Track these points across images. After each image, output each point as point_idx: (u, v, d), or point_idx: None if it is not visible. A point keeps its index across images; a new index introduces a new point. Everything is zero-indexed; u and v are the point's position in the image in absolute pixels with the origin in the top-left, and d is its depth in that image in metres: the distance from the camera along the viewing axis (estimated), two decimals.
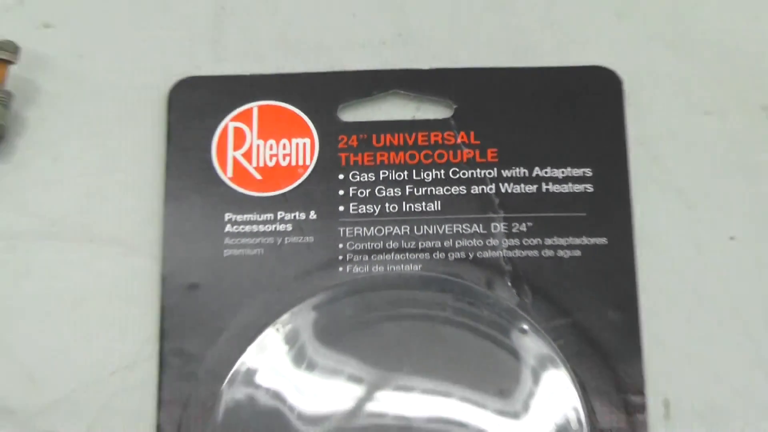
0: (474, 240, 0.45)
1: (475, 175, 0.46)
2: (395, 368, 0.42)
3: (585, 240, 0.45)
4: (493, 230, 0.45)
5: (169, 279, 0.45)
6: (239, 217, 0.45)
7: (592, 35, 0.48)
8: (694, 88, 0.47)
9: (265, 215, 0.45)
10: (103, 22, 0.49)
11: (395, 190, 0.46)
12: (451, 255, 0.45)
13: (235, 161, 0.46)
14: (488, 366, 0.42)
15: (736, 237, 0.45)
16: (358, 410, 0.42)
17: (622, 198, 0.46)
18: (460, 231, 0.45)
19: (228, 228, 0.45)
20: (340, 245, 0.45)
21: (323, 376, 0.42)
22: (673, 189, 0.46)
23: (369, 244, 0.45)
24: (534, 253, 0.45)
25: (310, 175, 0.46)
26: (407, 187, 0.46)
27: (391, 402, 0.42)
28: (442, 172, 0.46)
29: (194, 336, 0.44)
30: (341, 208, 0.45)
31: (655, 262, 0.45)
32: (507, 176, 0.46)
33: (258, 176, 0.46)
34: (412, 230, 0.45)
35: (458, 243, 0.45)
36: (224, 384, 0.42)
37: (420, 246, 0.45)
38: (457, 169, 0.46)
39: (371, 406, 0.42)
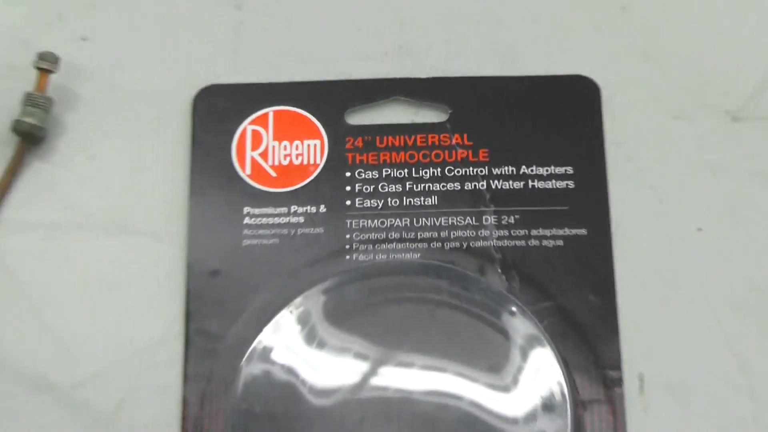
0: (467, 231, 0.45)
1: (468, 173, 0.46)
2: (396, 346, 0.42)
3: (567, 231, 0.45)
4: (484, 222, 0.45)
5: (193, 266, 0.44)
6: (256, 211, 0.45)
7: (573, 47, 0.48)
8: (664, 94, 0.47)
9: (280, 209, 0.45)
10: (135, 36, 0.48)
11: (396, 186, 0.45)
12: (446, 244, 0.44)
13: (253, 160, 0.46)
14: (480, 344, 0.42)
15: (703, 228, 0.45)
16: (363, 384, 0.41)
17: (600, 193, 0.45)
18: (455, 223, 0.45)
19: (246, 220, 0.45)
20: (347, 236, 0.45)
21: (332, 354, 0.42)
22: (646, 185, 0.46)
23: (373, 234, 0.45)
24: (521, 242, 0.44)
25: (320, 173, 0.46)
26: (407, 183, 0.45)
27: (393, 376, 0.41)
28: (439, 170, 0.46)
29: (216, 317, 0.43)
30: (348, 203, 0.45)
31: (630, 251, 0.44)
32: (497, 174, 0.46)
33: (273, 174, 0.46)
34: (411, 222, 0.45)
35: (453, 234, 0.45)
36: (243, 360, 0.42)
37: (419, 236, 0.45)
38: (452, 168, 0.46)
39: (375, 380, 0.41)
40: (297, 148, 0.46)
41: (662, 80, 0.47)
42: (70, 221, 0.45)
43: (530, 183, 0.45)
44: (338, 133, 0.46)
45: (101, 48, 0.48)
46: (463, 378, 0.41)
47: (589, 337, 0.43)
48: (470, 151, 0.46)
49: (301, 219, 0.45)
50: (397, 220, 0.45)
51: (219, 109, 0.47)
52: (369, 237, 0.45)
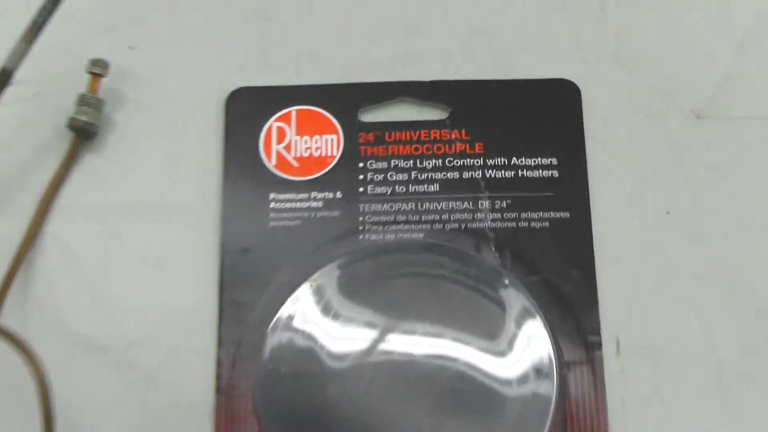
0: (465, 214, 0.44)
1: (465, 164, 0.45)
2: (403, 316, 0.41)
3: (552, 214, 0.44)
4: (480, 207, 0.44)
5: (226, 244, 0.44)
6: (281, 197, 0.44)
7: (557, 55, 0.47)
8: (636, 95, 0.47)
9: (301, 195, 0.44)
10: (175, 45, 0.48)
11: (403, 175, 0.45)
12: (447, 226, 0.44)
13: (278, 153, 0.45)
14: (477, 314, 0.41)
15: (671, 212, 0.44)
16: (372, 349, 0.41)
17: (581, 181, 0.45)
18: (454, 207, 0.44)
19: (272, 205, 0.44)
20: (360, 218, 0.44)
21: (346, 322, 0.41)
22: (621, 174, 0.45)
23: (382, 217, 0.44)
24: (512, 224, 0.44)
25: (336, 163, 0.45)
26: (412, 173, 0.45)
27: (399, 342, 0.41)
28: (440, 161, 0.45)
29: (246, 289, 0.43)
30: (361, 189, 0.45)
31: (607, 232, 0.44)
32: (491, 164, 0.45)
33: (296, 164, 0.45)
34: (416, 207, 0.44)
35: (453, 216, 0.44)
36: (269, 328, 0.41)
37: (423, 219, 0.44)
38: (452, 159, 0.45)
39: (383, 346, 0.41)
40: (316, 142, 0.45)
41: (635, 83, 0.47)
42: (118, 206, 0.45)
43: (520, 172, 0.45)
44: (352, 129, 0.46)
45: (146, 55, 0.48)
46: (462, 344, 0.40)
47: (572, 306, 0.42)
48: (467, 145, 0.45)
49: (320, 204, 0.44)
50: (404, 204, 0.44)
51: (248, 109, 0.46)
52: (379, 219, 0.44)
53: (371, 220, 0.44)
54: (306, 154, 0.45)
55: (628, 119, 0.46)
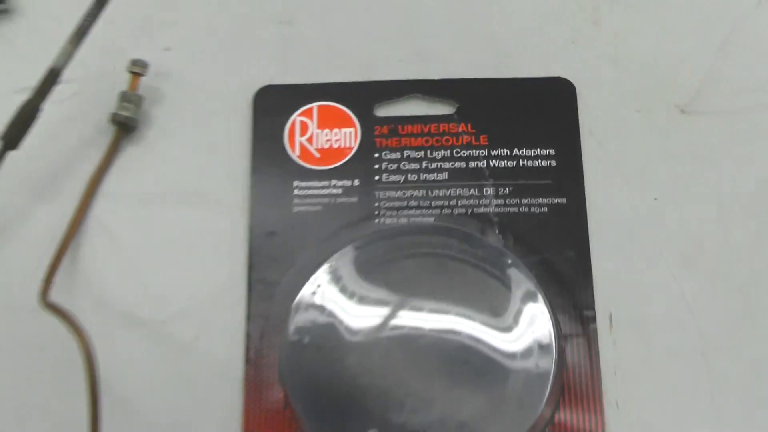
0: (471, 200, 0.43)
1: (471, 154, 0.44)
2: (414, 293, 0.41)
3: (550, 200, 0.43)
4: (485, 193, 0.43)
5: (254, 228, 0.43)
6: (304, 184, 0.44)
7: (554, 55, 0.47)
8: (627, 92, 0.46)
9: (322, 183, 0.44)
10: (207, 47, 0.47)
11: (414, 164, 0.44)
12: (455, 211, 0.43)
13: (301, 144, 0.44)
14: (483, 291, 0.40)
15: (658, 198, 0.44)
16: (387, 323, 0.40)
17: (577, 170, 0.44)
18: (461, 194, 0.43)
19: (296, 192, 0.44)
20: (376, 204, 0.43)
21: (362, 299, 0.41)
22: (613, 164, 0.44)
23: (396, 203, 0.43)
24: (514, 209, 0.43)
25: (354, 154, 0.44)
26: (423, 162, 0.44)
27: (411, 317, 0.40)
28: (448, 152, 0.44)
29: (272, 269, 0.42)
30: (376, 178, 0.44)
31: (600, 216, 0.43)
32: (494, 155, 0.44)
33: (317, 155, 0.44)
34: (427, 193, 0.43)
35: (460, 202, 0.43)
36: (293, 304, 0.41)
37: (432, 204, 0.43)
38: (459, 150, 0.44)
39: (396, 321, 0.40)
40: (336, 135, 0.45)
41: (625, 81, 0.46)
42: (156, 193, 0.44)
43: (521, 162, 0.44)
44: (368, 122, 0.45)
45: (180, 56, 0.47)
46: (469, 319, 0.40)
47: (568, 284, 0.42)
48: (473, 137, 0.44)
49: (340, 191, 0.44)
50: (415, 191, 0.43)
51: (274, 105, 0.45)
52: (393, 205, 0.43)
53: (386, 205, 0.43)
54: (326, 146, 0.44)
55: (619, 114, 0.45)
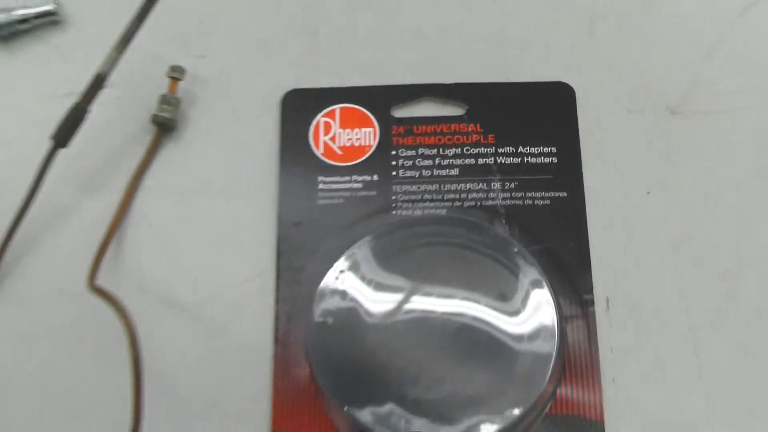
0: (480, 194, 0.42)
1: (480, 152, 0.43)
2: (428, 279, 0.40)
3: (552, 194, 0.42)
4: (492, 187, 0.42)
5: (282, 219, 0.42)
6: (327, 179, 0.43)
7: (555, 61, 0.46)
8: (621, 95, 0.45)
9: (344, 178, 0.43)
10: (238, 54, 0.46)
11: (428, 161, 0.43)
12: (465, 203, 0.42)
13: (325, 143, 0.44)
14: (491, 277, 0.40)
15: (651, 192, 0.43)
16: (402, 307, 0.39)
17: (576, 166, 0.43)
18: (471, 188, 0.42)
19: (320, 186, 0.43)
20: (393, 197, 0.42)
21: (380, 285, 0.40)
22: (609, 161, 0.44)
23: (411, 196, 0.42)
24: (519, 202, 0.42)
25: (373, 152, 0.43)
26: (436, 159, 0.43)
27: (426, 302, 0.39)
28: (459, 149, 0.43)
29: (299, 256, 0.41)
30: (393, 173, 0.43)
31: (598, 209, 0.42)
32: (501, 152, 0.43)
33: (340, 153, 0.43)
34: (439, 187, 0.43)
35: (470, 196, 0.42)
36: (318, 289, 0.40)
37: (445, 198, 0.42)
38: (469, 148, 0.43)
39: (410, 305, 0.39)
40: (356, 134, 0.44)
41: (619, 85, 0.45)
42: (193, 187, 0.44)
43: (525, 159, 0.43)
44: (386, 123, 0.44)
45: (214, 62, 0.46)
46: (479, 303, 0.39)
47: (569, 270, 0.41)
48: (482, 136, 0.43)
49: (360, 185, 0.43)
50: (429, 185, 0.43)
51: (300, 107, 0.44)
52: (408, 198, 0.42)
53: (402, 198, 0.42)
54: (348, 144, 0.43)
55: (614, 115, 0.45)
